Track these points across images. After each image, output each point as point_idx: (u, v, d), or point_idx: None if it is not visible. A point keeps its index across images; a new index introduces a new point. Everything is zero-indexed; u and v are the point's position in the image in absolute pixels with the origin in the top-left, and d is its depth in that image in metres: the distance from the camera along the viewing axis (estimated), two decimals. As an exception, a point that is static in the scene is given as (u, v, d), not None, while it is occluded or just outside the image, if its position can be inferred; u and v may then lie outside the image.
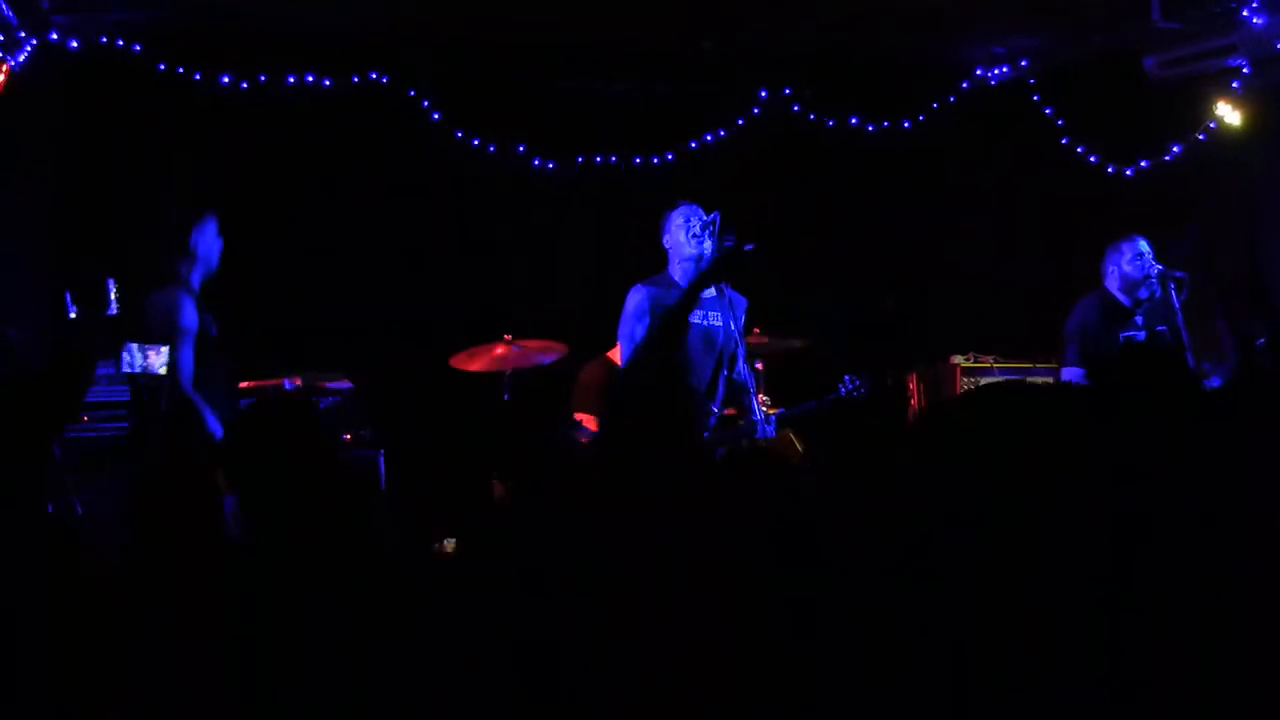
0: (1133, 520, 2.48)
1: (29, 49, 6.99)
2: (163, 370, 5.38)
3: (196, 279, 5.55)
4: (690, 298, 4.88)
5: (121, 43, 7.28)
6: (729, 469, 3.39)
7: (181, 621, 2.76)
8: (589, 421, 6.58)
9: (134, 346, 5.30)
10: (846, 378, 5.99)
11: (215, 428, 5.31)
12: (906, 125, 8.54)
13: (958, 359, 7.54)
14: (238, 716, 2.69)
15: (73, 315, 6.12)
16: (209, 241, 5.57)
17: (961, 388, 7.41)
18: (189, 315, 5.41)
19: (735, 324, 5.49)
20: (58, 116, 7.36)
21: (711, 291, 5.58)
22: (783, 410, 5.88)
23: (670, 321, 4.31)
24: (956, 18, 7.74)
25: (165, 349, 5.39)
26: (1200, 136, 8.10)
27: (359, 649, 2.71)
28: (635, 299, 5.53)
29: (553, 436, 6.34)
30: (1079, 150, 8.39)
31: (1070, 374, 6.29)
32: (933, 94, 8.53)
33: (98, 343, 5.90)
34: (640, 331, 5.46)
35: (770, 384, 6.83)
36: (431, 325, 7.53)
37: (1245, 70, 7.75)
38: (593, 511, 2.73)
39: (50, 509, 5.58)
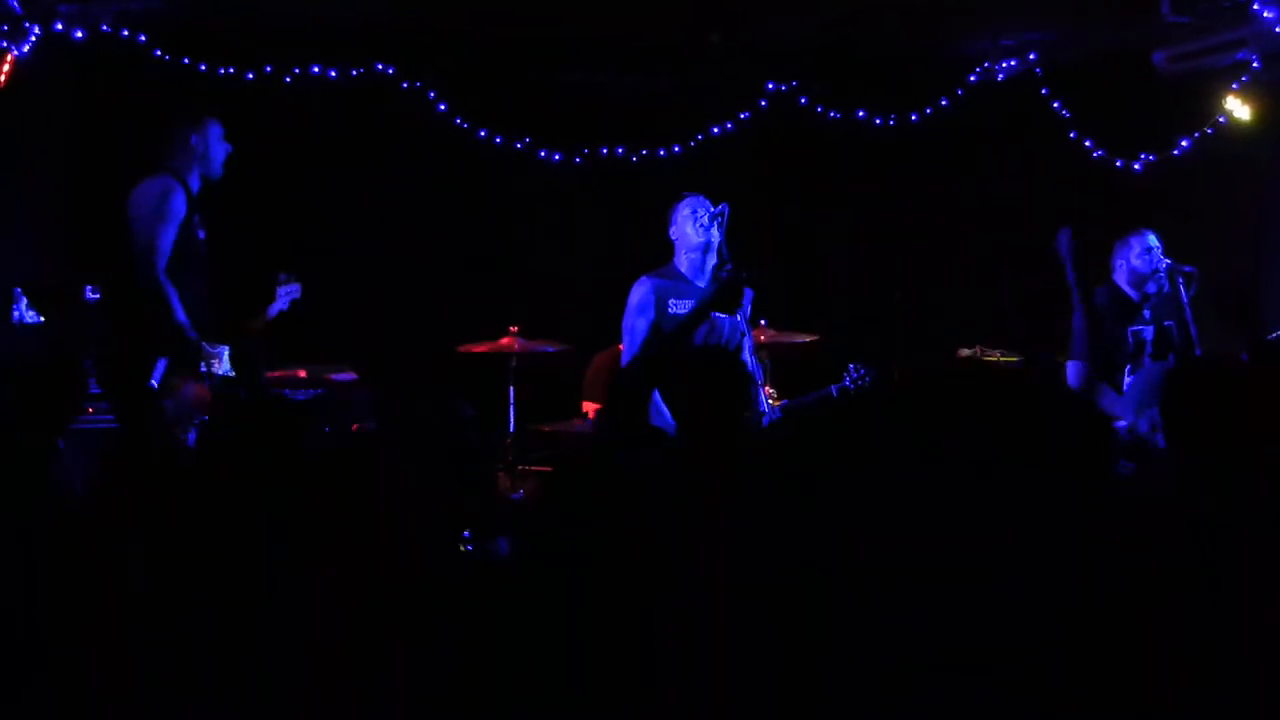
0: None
1: (34, 39, 6.97)
2: (229, 371, 5.41)
3: (194, 179, 5.53)
4: (690, 326, 4.90)
5: (126, 33, 7.27)
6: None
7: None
8: (593, 409, 6.58)
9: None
10: (851, 366, 5.98)
11: (183, 318, 5.29)
12: (914, 119, 8.52)
13: (965, 352, 7.52)
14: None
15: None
16: (209, 143, 5.54)
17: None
18: (177, 201, 5.39)
19: (741, 314, 5.48)
20: (63, 107, 7.36)
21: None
22: (786, 401, 5.86)
23: (671, 345, 4.33)
24: (964, 11, 7.71)
25: (223, 349, 5.41)
26: (1209, 131, 8.06)
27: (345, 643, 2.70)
28: (640, 291, 5.52)
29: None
30: (1087, 144, 8.36)
31: (1076, 368, 6.27)
32: (940, 88, 8.51)
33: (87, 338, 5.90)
34: (643, 326, 5.44)
35: (777, 377, 6.82)
36: (437, 318, 7.53)
37: (1255, 65, 7.72)
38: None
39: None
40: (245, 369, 5.73)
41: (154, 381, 5.25)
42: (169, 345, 5.28)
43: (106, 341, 5.59)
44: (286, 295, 5.86)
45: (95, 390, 5.91)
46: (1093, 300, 4.89)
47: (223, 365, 5.45)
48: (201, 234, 5.53)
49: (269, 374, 6.18)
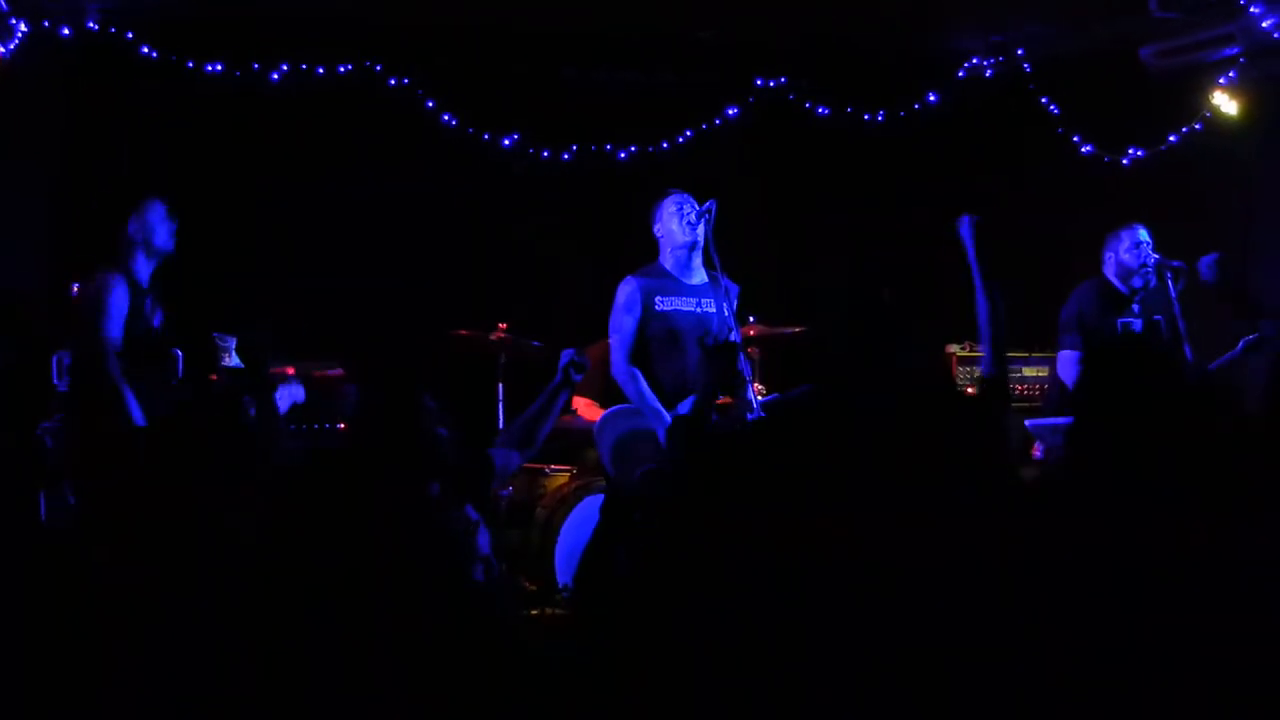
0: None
1: (20, 35, 6.95)
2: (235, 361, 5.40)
3: (141, 266, 5.53)
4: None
5: (114, 29, 7.25)
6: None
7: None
8: (585, 404, 6.58)
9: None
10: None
11: (137, 414, 5.28)
12: (902, 115, 8.52)
13: (954, 348, 7.52)
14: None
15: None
16: (150, 226, 5.54)
17: (958, 377, 7.39)
18: (118, 296, 5.38)
19: (728, 309, 5.47)
20: (51, 104, 7.33)
21: (705, 279, 5.57)
22: (772, 396, 5.85)
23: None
24: (953, 7, 7.73)
25: (231, 340, 5.40)
26: (1197, 126, 8.08)
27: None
28: (626, 291, 5.52)
29: None
30: (1075, 139, 8.37)
31: (1067, 361, 6.29)
32: (929, 84, 8.51)
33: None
34: (630, 325, 5.42)
35: (767, 374, 6.81)
36: (425, 314, 7.51)
37: (1242, 60, 7.73)
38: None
39: (42, 500, 5.57)
40: (253, 365, 5.73)
41: None
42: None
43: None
44: (286, 397, 5.78)
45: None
46: (993, 288, 4.86)
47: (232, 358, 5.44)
48: (157, 321, 5.52)
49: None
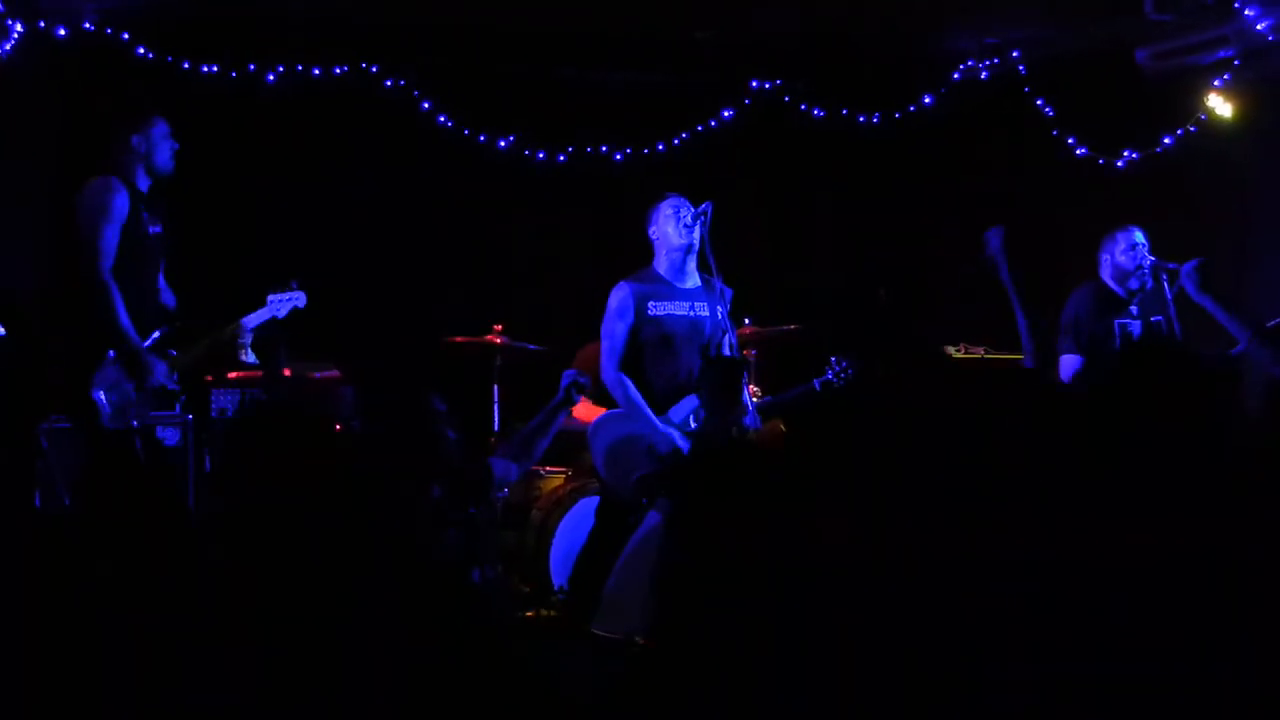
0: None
1: (16, 36, 6.94)
2: (168, 383, 5.41)
3: (141, 178, 5.54)
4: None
5: (109, 30, 7.24)
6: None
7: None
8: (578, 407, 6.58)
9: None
10: (833, 359, 5.98)
11: (125, 321, 5.29)
12: (897, 117, 8.52)
13: (950, 350, 7.52)
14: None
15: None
16: (152, 142, 5.56)
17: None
18: (119, 200, 5.40)
19: (722, 312, 5.47)
20: (46, 105, 7.32)
21: (699, 282, 5.56)
22: (767, 399, 5.85)
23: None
24: (948, 9, 7.72)
25: (161, 364, 5.40)
26: (1192, 128, 8.08)
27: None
28: (618, 296, 5.49)
29: None
30: (1069, 141, 8.37)
31: (1066, 363, 6.29)
32: (924, 85, 8.52)
33: None
34: (622, 330, 5.42)
35: (763, 376, 6.82)
36: (422, 316, 7.51)
37: (1236, 62, 7.74)
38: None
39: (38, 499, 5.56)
40: (267, 361, 5.74)
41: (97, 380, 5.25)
42: (111, 345, 5.30)
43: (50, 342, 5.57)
44: (287, 302, 5.78)
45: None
46: (1029, 298, 4.87)
47: (159, 379, 5.43)
48: (155, 229, 5.53)
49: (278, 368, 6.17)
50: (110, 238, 5.35)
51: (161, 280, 5.67)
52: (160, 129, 5.58)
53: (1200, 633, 2.37)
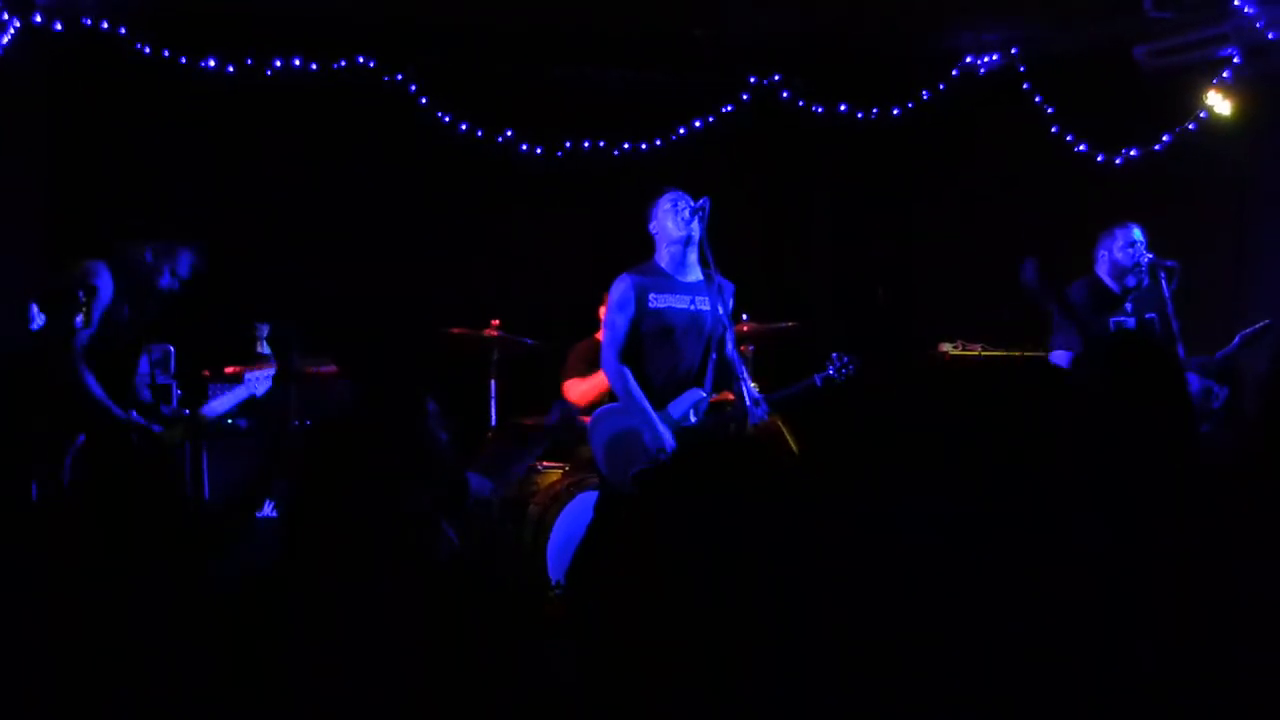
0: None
1: (13, 31, 6.93)
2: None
3: (137, 284, 5.55)
4: None
5: (106, 25, 7.23)
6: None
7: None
8: (572, 388, 6.60)
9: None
10: (834, 355, 5.98)
11: (98, 391, 5.29)
12: (896, 113, 8.52)
13: (946, 347, 7.51)
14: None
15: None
16: (163, 271, 5.58)
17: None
18: (104, 290, 5.40)
19: (723, 308, 5.49)
20: (43, 100, 7.32)
21: (699, 276, 5.58)
22: (769, 395, 5.85)
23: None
24: (947, 6, 7.72)
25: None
26: (1190, 126, 8.08)
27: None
28: (620, 288, 5.52)
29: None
30: (1068, 139, 8.37)
31: (1060, 359, 6.28)
32: (922, 82, 8.52)
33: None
34: (623, 323, 5.44)
35: (762, 371, 6.81)
36: (418, 311, 7.50)
37: (1236, 60, 7.73)
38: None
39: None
40: (281, 356, 5.75)
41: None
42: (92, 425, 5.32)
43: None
44: (264, 378, 5.77)
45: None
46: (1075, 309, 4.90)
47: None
48: (125, 311, 5.55)
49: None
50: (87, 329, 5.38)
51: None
52: (184, 262, 5.61)
53: (1199, 633, 2.38)
